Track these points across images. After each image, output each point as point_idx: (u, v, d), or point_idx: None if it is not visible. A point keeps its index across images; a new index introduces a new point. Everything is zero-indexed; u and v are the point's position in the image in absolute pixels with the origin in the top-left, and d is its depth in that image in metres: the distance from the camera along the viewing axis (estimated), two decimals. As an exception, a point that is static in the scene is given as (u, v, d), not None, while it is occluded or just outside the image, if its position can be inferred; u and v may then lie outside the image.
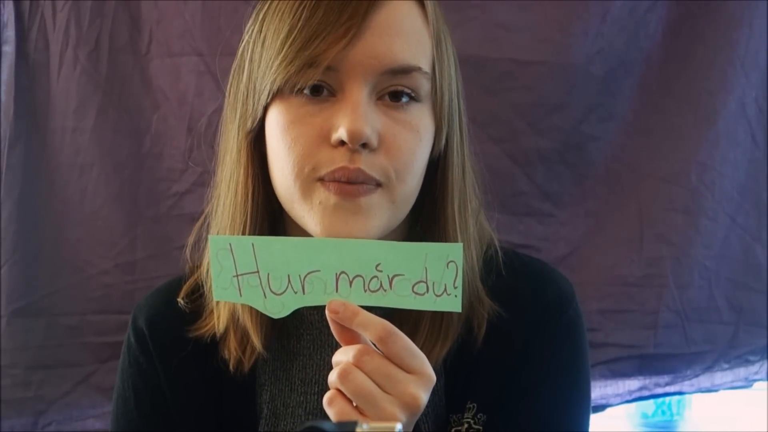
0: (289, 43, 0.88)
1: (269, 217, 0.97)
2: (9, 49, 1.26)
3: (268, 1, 0.94)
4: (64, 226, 1.29)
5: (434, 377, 0.83)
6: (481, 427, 0.98)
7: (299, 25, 0.88)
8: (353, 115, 0.87)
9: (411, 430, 0.84)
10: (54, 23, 1.27)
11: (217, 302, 0.98)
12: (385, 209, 0.91)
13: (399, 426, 0.71)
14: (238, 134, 0.95)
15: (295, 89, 0.90)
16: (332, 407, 0.81)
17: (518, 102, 1.27)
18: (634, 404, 1.40)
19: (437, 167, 0.96)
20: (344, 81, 0.89)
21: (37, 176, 1.28)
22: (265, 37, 0.92)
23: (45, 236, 1.29)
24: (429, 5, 0.94)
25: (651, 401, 1.41)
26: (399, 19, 0.90)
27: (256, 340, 0.96)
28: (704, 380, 1.32)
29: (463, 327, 0.97)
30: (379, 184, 0.90)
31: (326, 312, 0.84)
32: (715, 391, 1.34)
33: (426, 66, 0.92)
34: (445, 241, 0.95)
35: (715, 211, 1.29)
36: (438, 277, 0.85)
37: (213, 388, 1.01)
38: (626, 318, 1.30)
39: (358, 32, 0.88)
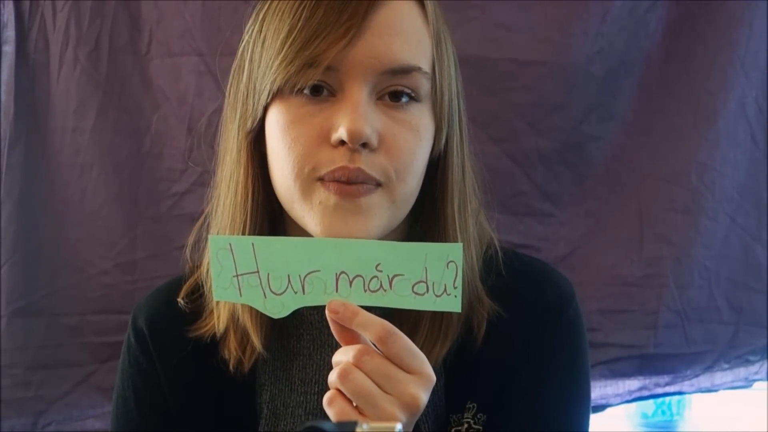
0: (289, 43, 0.88)
1: (269, 217, 0.97)
2: (9, 49, 1.26)
3: (268, 1, 0.94)
4: (64, 226, 1.29)
5: (434, 377, 0.83)
6: (481, 427, 0.98)
7: (299, 25, 0.89)
8: (353, 115, 0.87)
9: (411, 430, 0.84)
10: (54, 23, 1.27)
11: (217, 302, 0.98)
12: (385, 209, 0.91)
13: (399, 426, 0.71)
14: (238, 134, 0.95)
15: (295, 89, 0.90)
16: (332, 407, 0.81)
17: (518, 102, 1.27)
18: (634, 404, 1.39)
19: (437, 167, 0.96)
20: (344, 81, 0.89)
21: (37, 176, 1.28)
22: (265, 37, 0.92)
23: (45, 236, 1.29)
24: (429, 5, 0.94)
25: (651, 401, 1.41)
26: (399, 19, 0.91)
27: (256, 340, 0.96)
28: (704, 380, 1.32)
29: (463, 327, 0.97)
30: (379, 184, 0.90)
31: (326, 312, 0.84)
32: (715, 391, 1.34)
33: (426, 66, 0.92)
34: (445, 240, 0.95)
35: (715, 211, 1.29)
36: (438, 277, 0.85)
37: (213, 388, 1.01)
38: (626, 318, 1.30)
39: (358, 32, 0.88)
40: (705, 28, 1.27)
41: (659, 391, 1.33)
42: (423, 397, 0.81)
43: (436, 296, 0.85)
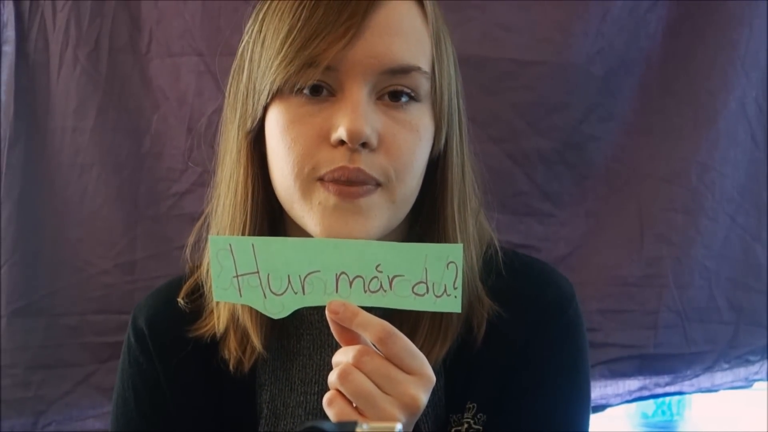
0: (288, 42, 0.88)
1: (269, 217, 0.97)
2: (9, 49, 1.26)
3: (268, 1, 0.94)
4: (64, 226, 1.29)
5: (434, 378, 0.83)
6: (481, 427, 0.98)
7: (299, 24, 0.89)
8: (353, 115, 0.87)
9: (411, 430, 0.84)
10: (54, 23, 1.27)
11: (217, 302, 0.98)
12: (385, 209, 0.91)
13: (399, 426, 0.71)
14: (238, 134, 0.95)
15: (295, 89, 0.90)
16: (332, 408, 0.81)
17: (518, 102, 1.27)
18: (634, 404, 1.39)
19: (437, 167, 0.96)
20: (344, 81, 0.89)
21: (37, 176, 1.28)
22: (264, 37, 0.92)
23: (45, 236, 1.29)
24: (428, 5, 0.94)
25: (651, 401, 1.41)
26: (398, 19, 0.90)
27: (256, 341, 0.96)
28: (704, 380, 1.32)
29: (463, 327, 0.97)
30: (378, 184, 0.90)
31: (326, 312, 0.84)
32: (715, 391, 1.34)
33: (425, 66, 0.92)
34: (445, 240, 0.95)
35: (715, 211, 1.29)
36: (438, 277, 0.85)
37: (213, 388, 1.01)
38: (626, 318, 1.30)
39: (358, 32, 0.88)
40: (705, 28, 1.27)
41: (659, 391, 1.33)
42: (423, 397, 0.81)
43: (436, 297, 0.85)
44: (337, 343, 0.85)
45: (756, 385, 1.34)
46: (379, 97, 0.90)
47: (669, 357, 1.30)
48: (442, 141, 0.95)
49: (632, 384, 1.33)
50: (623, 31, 1.27)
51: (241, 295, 0.86)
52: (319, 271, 0.85)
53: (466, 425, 0.98)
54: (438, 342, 0.95)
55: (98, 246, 1.29)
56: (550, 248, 1.30)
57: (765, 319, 1.31)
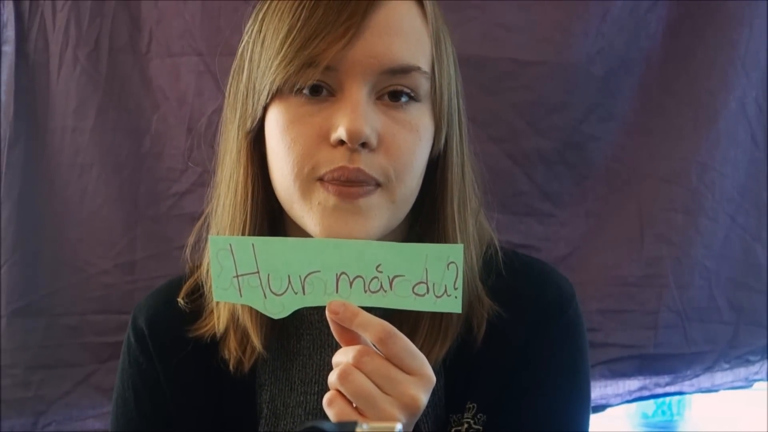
0: (288, 42, 0.88)
1: (269, 217, 0.97)
2: (9, 49, 1.26)
3: (268, 1, 0.94)
4: (64, 226, 1.29)
5: (434, 378, 0.83)
6: (481, 427, 0.98)
7: (298, 24, 0.88)
8: (352, 115, 0.87)
9: (411, 430, 0.84)
10: (54, 23, 1.27)
11: (217, 302, 0.98)
12: (385, 210, 0.91)
13: (399, 426, 0.71)
14: (238, 134, 0.95)
15: (295, 89, 0.90)
16: (332, 408, 0.81)
17: (518, 102, 1.27)
18: (634, 404, 1.39)
19: (437, 167, 0.96)
20: (343, 81, 0.89)
21: (37, 176, 1.28)
22: (264, 37, 0.92)
23: (45, 236, 1.29)
24: (428, 5, 0.94)
25: (651, 401, 1.41)
26: (398, 19, 0.90)
27: (256, 341, 0.96)
28: (704, 380, 1.32)
29: (463, 327, 0.97)
30: (378, 184, 0.90)
31: (326, 312, 0.84)
32: (715, 391, 1.34)
33: (425, 65, 0.92)
34: (445, 240, 0.95)
35: (715, 211, 1.29)
36: (438, 278, 0.85)
37: (213, 388, 1.01)
38: (626, 318, 1.30)
39: (358, 32, 0.88)
40: (705, 28, 1.27)
41: (659, 391, 1.33)
42: (423, 398, 0.81)
43: (437, 297, 0.85)
44: (337, 343, 0.85)
45: (756, 385, 1.34)
46: (379, 97, 0.90)
47: (669, 357, 1.30)
48: (442, 141, 0.95)
49: (632, 384, 1.33)
50: (623, 31, 1.27)
51: (241, 295, 0.86)
52: (319, 271, 0.85)
53: (466, 425, 0.98)
54: (438, 342, 0.95)
55: (98, 246, 1.29)
56: (550, 248, 1.30)
57: (765, 319, 1.31)
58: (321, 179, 0.89)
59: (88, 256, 1.29)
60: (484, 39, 1.26)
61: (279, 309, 0.86)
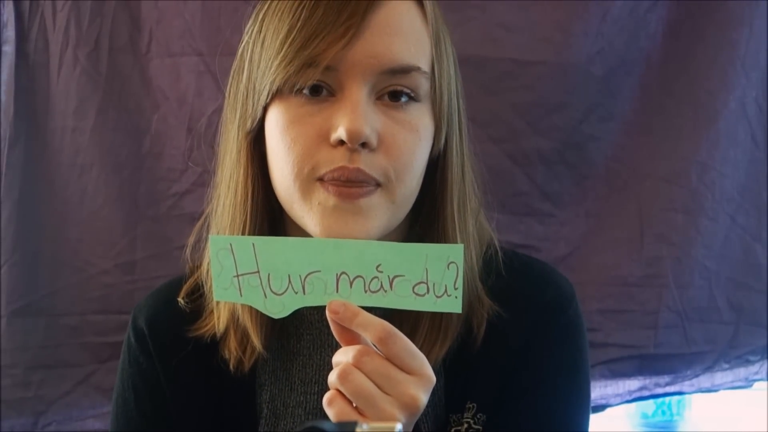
0: (288, 43, 0.88)
1: (269, 217, 0.97)
2: (9, 49, 1.26)
3: (268, 2, 0.94)
4: (64, 226, 1.29)
5: (434, 378, 0.83)
6: (480, 427, 0.98)
7: (298, 25, 0.89)
8: (352, 115, 0.87)
9: (411, 430, 0.84)
10: (54, 23, 1.27)
11: (218, 302, 0.98)
12: (385, 210, 0.91)
13: (399, 426, 0.71)
14: (238, 134, 0.95)
15: (295, 89, 0.90)
16: (332, 407, 0.81)
17: (518, 102, 1.27)
18: (634, 404, 1.39)
19: (437, 167, 0.96)
20: (343, 81, 0.89)
21: (37, 176, 1.28)
22: (264, 37, 0.92)
23: (45, 236, 1.29)
24: (428, 5, 0.94)
25: (651, 401, 1.41)
26: (398, 19, 0.90)
27: (256, 340, 0.96)
28: (704, 380, 1.32)
29: (463, 327, 0.97)
30: (378, 185, 0.90)
31: (326, 312, 0.84)
32: (715, 391, 1.33)
33: (425, 66, 0.92)
34: (444, 240, 0.95)
35: (715, 211, 1.29)
36: (438, 278, 0.85)
37: (213, 387, 1.01)
38: (626, 318, 1.30)
39: (358, 32, 0.88)
40: (705, 28, 1.27)
41: (659, 391, 1.33)
42: (423, 397, 0.81)
43: (437, 297, 0.85)
44: (337, 343, 0.85)
45: (756, 385, 1.34)
46: (379, 97, 0.90)
47: (669, 357, 1.30)
48: (442, 141, 0.95)
49: (632, 384, 1.33)
50: (623, 31, 1.27)
51: (241, 295, 0.86)
52: (319, 271, 0.85)
53: (465, 425, 0.98)
54: (438, 342, 0.95)
55: (98, 246, 1.29)
56: (550, 248, 1.30)
57: (765, 319, 1.31)
58: (321, 179, 0.89)
59: (88, 256, 1.29)
60: (484, 39, 1.26)
61: (279, 308, 0.86)
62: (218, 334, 0.99)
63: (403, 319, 0.90)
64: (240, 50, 0.97)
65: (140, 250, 1.30)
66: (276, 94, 0.91)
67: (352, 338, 0.84)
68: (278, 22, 0.91)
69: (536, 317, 1.00)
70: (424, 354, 0.83)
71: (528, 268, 1.05)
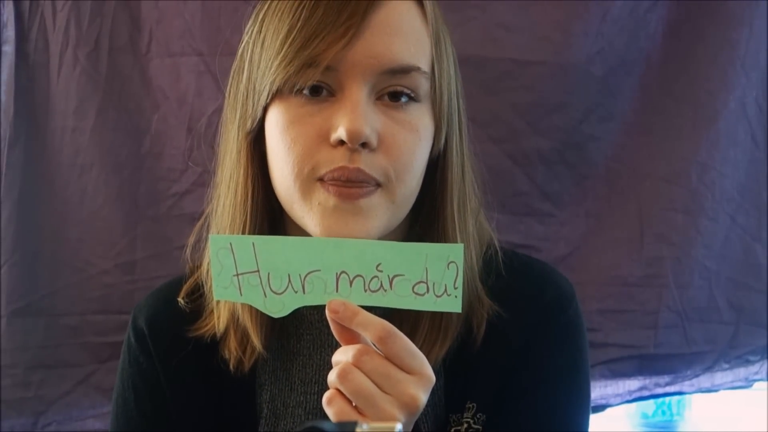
0: (288, 43, 0.88)
1: (269, 217, 0.97)
2: (9, 49, 1.26)
3: (268, 2, 0.94)
4: (64, 226, 1.29)
5: (433, 378, 0.83)
6: (480, 427, 0.98)
7: (298, 25, 0.89)
8: (352, 115, 0.87)
9: (410, 430, 0.84)
10: (54, 23, 1.27)
11: (218, 302, 0.98)
12: (385, 210, 0.91)
13: (399, 426, 0.71)
14: (238, 134, 0.95)
15: (295, 89, 0.90)
16: (331, 407, 0.81)
17: (518, 102, 1.27)
18: (634, 404, 1.39)
19: (437, 167, 0.96)
20: (343, 81, 0.89)
21: (37, 176, 1.28)
22: (264, 37, 0.92)
23: (45, 236, 1.29)
24: (428, 5, 0.94)
25: (651, 401, 1.41)
26: (398, 19, 0.91)
27: (256, 340, 0.96)
28: (704, 380, 1.32)
29: (463, 327, 0.97)
30: (378, 185, 0.90)
31: (326, 311, 0.83)
32: (715, 391, 1.33)
33: (425, 66, 0.92)
34: (444, 240, 0.95)
35: (715, 211, 1.29)
36: (438, 277, 0.85)
37: (213, 387, 1.01)
38: (626, 318, 1.30)
39: (358, 32, 0.88)
40: (705, 28, 1.27)
41: (659, 391, 1.33)
42: (422, 397, 0.81)
43: (437, 296, 0.85)
44: (337, 343, 0.85)
45: (756, 385, 1.34)
46: (379, 98, 0.90)
47: (669, 357, 1.30)
48: (442, 141, 0.95)
49: (632, 384, 1.33)
50: (623, 31, 1.27)
51: (241, 294, 0.86)
52: (319, 270, 0.85)
53: (465, 425, 0.98)
54: (438, 342, 0.95)
55: (98, 246, 1.29)
56: (550, 248, 1.30)
57: (765, 319, 1.31)
58: (321, 179, 0.89)
59: (88, 256, 1.29)
60: (484, 39, 1.26)
61: (279, 308, 0.86)
62: (218, 334, 0.99)
63: (403, 319, 0.90)
64: (240, 50, 0.97)
65: (140, 250, 1.30)
66: (276, 95, 0.91)
67: (352, 338, 0.84)
68: (278, 22, 0.91)
69: (536, 317, 1.00)
70: (424, 354, 0.83)
71: (528, 268, 1.05)
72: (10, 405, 1.28)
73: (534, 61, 1.26)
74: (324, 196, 0.89)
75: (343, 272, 0.85)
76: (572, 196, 1.31)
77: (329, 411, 0.81)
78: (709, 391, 1.34)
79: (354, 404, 0.81)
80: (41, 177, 1.29)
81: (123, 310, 1.26)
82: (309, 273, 0.85)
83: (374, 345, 0.82)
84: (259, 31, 0.93)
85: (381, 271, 0.85)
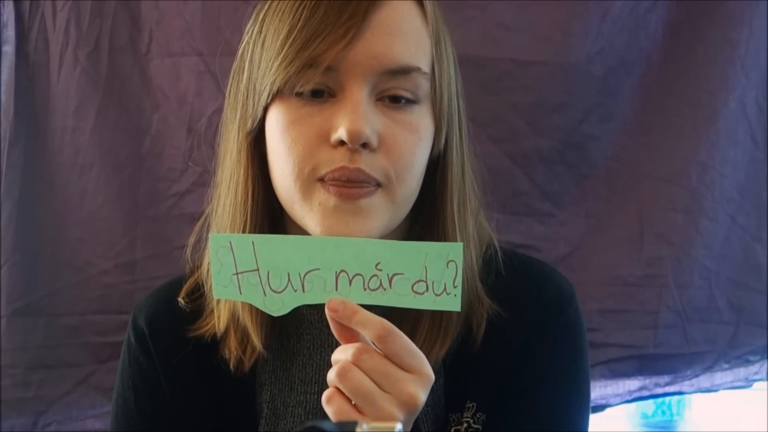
0: (288, 43, 0.89)
1: (269, 217, 0.97)
2: (9, 49, 1.26)
3: (268, 2, 0.94)
4: (64, 226, 1.29)
5: (433, 377, 0.83)
6: (480, 427, 0.98)
7: (299, 25, 0.89)
8: (353, 115, 0.87)
9: (410, 429, 0.84)
10: (54, 23, 1.27)
11: (218, 302, 0.98)
12: (386, 210, 0.91)
13: (399, 426, 0.71)
14: (239, 135, 0.95)
15: (295, 90, 0.90)
16: (331, 405, 0.81)
17: (518, 102, 1.27)
18: (634, 404, 1.39)
19: (437, 167, 0.96)
20: (344, 81, 0.89)
21: (37, 176, 1.28)
22: (264, 37, 0.92)
23: (45, 236, 1.29)
24: (428, 5, 0.94)
25: (651, 401, 1.41)
26: (398, 19, 0.91)
27: (256, 340, 0.96)
28: (704, 380, 1.32)
29: (463, 326, 0.97)
30: (379, 185, 0.90)
31: (326, 310, 0.83)
32: (715, 391, 1.33)
33: (425, 66, 0.92)
34: (445, 240, 0.95)
35: (715, 211, 1.29)
36: (438, 276, 0.85)
37: (213, 387, 1.01)
38: (626, 318, 1.29)
39: (358, 32, 0.88)
40: (705, 28, 1.27)
41: (659, 391, 1.33)
42: (422, 396, 0.81)
43: (436, 295, 0.85)
44: (337, 342, 0.85)
45: (756, 385, 1.34)
46: (379, 98, 0.91)
47: (669, 357, 1.30)
48: (442, 141, 0.95)
49: (632, 384, 1.33)
50: (623, 31, 1.27)
51: (240, 293, 0.86)
52: (318, 269, 0.85)
53: (465, 425, 0.98)
54: (438, 341, 0.95)
55: (98, 246, 1.29)
56: (550, 248, 1.30)
57: (765, 319, 1.31)
58: (321, 180, 0.89)
59: (88, 256, 1.29)
60: (484, 39, 1.26)
61: (278, 306, 0.86)
62: (218, 334, 0.99)
63: (404, 319, 0.90)
64: (240, 50, 0.97)
65: (140, 250, 1.30)
66: (276, 95, 0.91)
67: (352, 336, 0.84)
68: (279, 23, 0.91)
69: (536, 317, 1.00)
70: (425, 353, 0.83)
71: (528, 268, 1.05)
72: (10, 405, 1.28)
73: (534, 61, 1.26)
74: (324, 197, 0.89)
75: (342, 271, 0.85)
76: (572, 196, 1.31)
77: (328, 409, 0.81)
78: (709, 391, 1.34)
79: (353, 403, 0.81)
80: (41, 177, 1.29)
81: (123, 310, 1.26)
82: (308, 272, 0.85)
83: (374, 344, 0.82)
84: (260, 32, 0.94)
85: (380, 270, 0.85)
